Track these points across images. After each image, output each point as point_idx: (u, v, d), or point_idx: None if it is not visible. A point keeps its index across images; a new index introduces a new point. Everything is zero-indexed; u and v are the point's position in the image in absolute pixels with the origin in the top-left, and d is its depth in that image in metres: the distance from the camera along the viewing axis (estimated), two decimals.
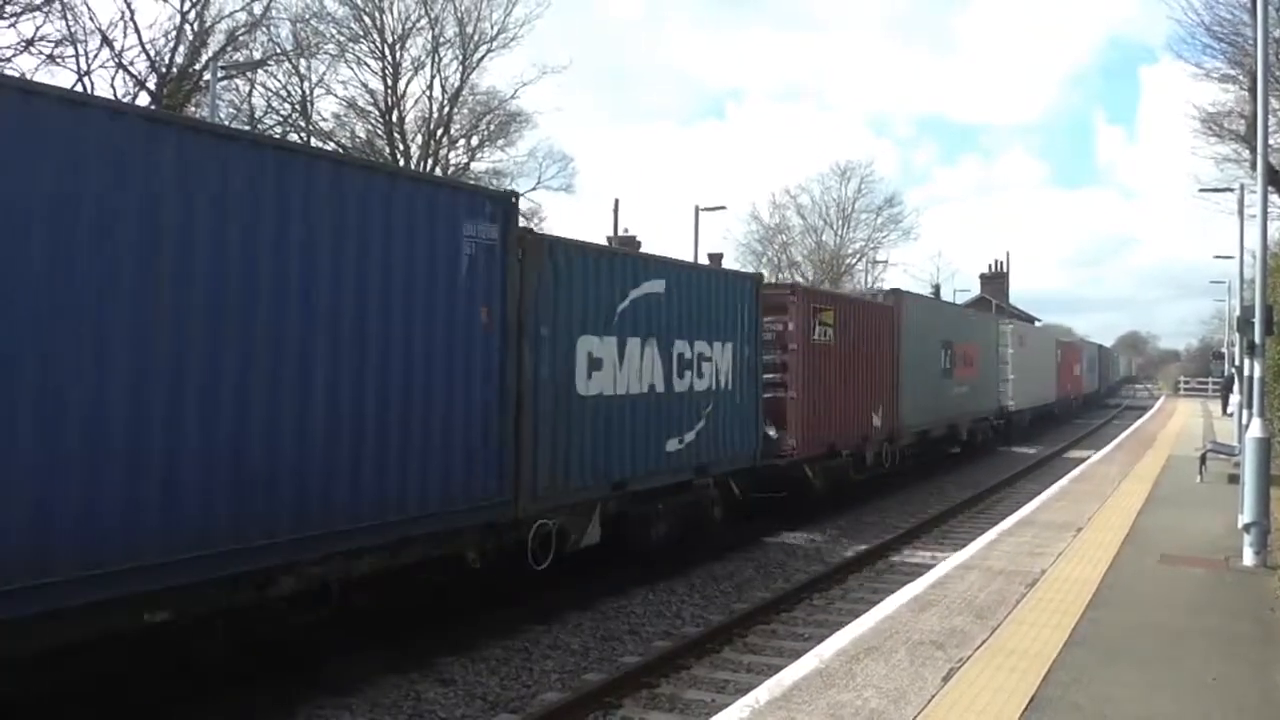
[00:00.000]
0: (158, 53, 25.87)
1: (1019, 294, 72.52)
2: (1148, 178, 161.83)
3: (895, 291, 22.10)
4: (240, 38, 28.29)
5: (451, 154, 37.12)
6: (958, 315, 27.53)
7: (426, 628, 9.22)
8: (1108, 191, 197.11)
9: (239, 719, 7.32)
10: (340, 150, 33.55)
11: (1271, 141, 13.80)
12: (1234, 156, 21.06)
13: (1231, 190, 22.11)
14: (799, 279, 45.13)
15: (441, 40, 35.55)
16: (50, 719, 6.27)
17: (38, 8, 22.13)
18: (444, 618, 9.46)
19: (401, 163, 35.22)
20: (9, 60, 22.08)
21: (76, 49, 23.50)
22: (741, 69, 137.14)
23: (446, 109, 36.07)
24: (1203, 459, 17.86)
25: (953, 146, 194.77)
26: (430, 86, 35.67)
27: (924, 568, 11.56)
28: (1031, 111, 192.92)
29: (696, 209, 34.99)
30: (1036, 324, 53.01)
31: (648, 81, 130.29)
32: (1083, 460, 22.91)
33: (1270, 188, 11.96)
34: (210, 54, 26.53)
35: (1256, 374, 11.21)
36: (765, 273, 29.48)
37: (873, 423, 18.59)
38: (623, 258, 11.76)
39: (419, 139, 36.06)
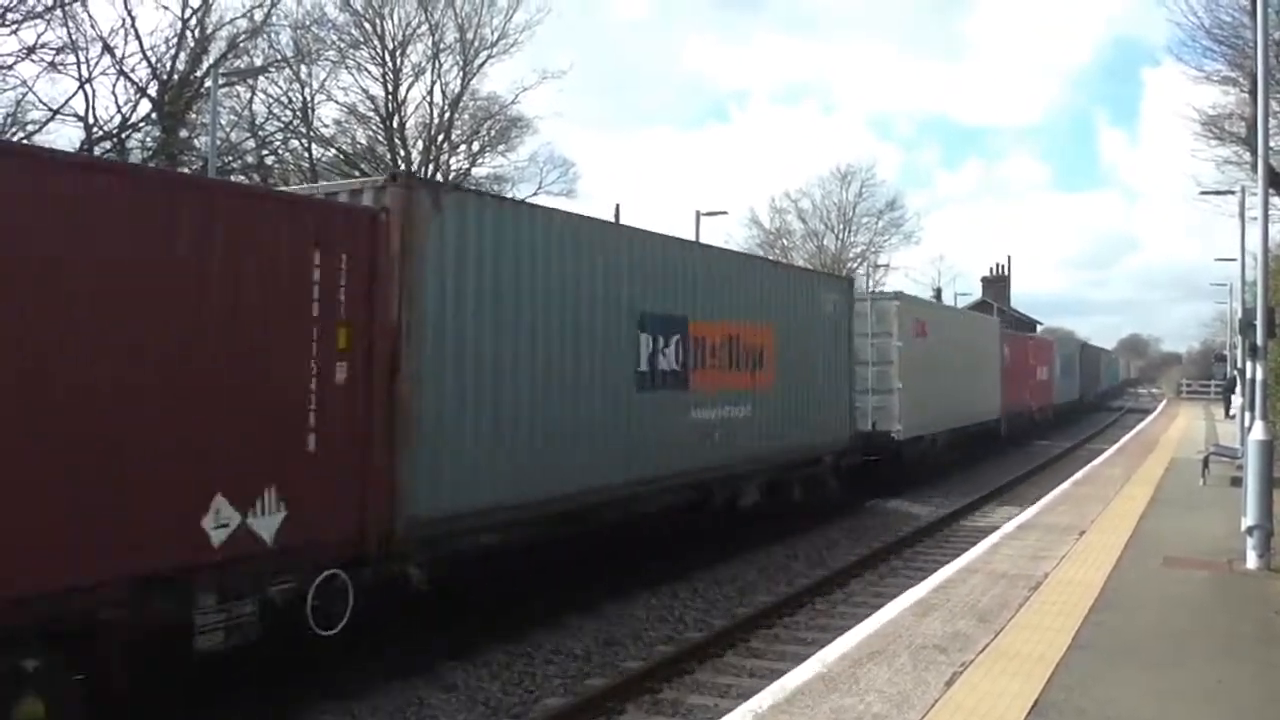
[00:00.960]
0: (159, 60, 25.93)
1: (1020, 297, 72.37)
2: (1150, 180, 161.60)
3: (402, 180, 8.46)
4: (241, 44, 28.31)
5: (453, 159, 37.22)
6: (700, 260, 13.55)
7: (429, 632, 9.21)
8: (1110, 194, 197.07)
9: None
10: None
11: (1272, 144, 13.79)
12: (1235, 159, 21.02)
13: (1232, 193, 22.07)
14: None
15: (442, 46, 35.63)
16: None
17: (39, 15, 22.19)
18: (447, 622, 9.44)
19: (402, 167, 35.33)
20: (10, 68, 22.17)
21: (78, 56, 23.57)
22: (744, 72, 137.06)
23: (447, 115, 36.14)
24: (1205, 462, 17.86)
25: (955, 149, 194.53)
26: (431, 92, 35.77)
27: None
28: (1034, 113, 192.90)
29: (697, 214, 34.90)
30: (1039, 327, 52.17)
31: (649, 85, 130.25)
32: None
33: (1271, 190, 11.96)
34: (211, 61, 26.59)
35: (1258, 376, 11.21)
36: None
37: (201, 538, 6.55)
38: None
39: (420, 145, 36.15)
